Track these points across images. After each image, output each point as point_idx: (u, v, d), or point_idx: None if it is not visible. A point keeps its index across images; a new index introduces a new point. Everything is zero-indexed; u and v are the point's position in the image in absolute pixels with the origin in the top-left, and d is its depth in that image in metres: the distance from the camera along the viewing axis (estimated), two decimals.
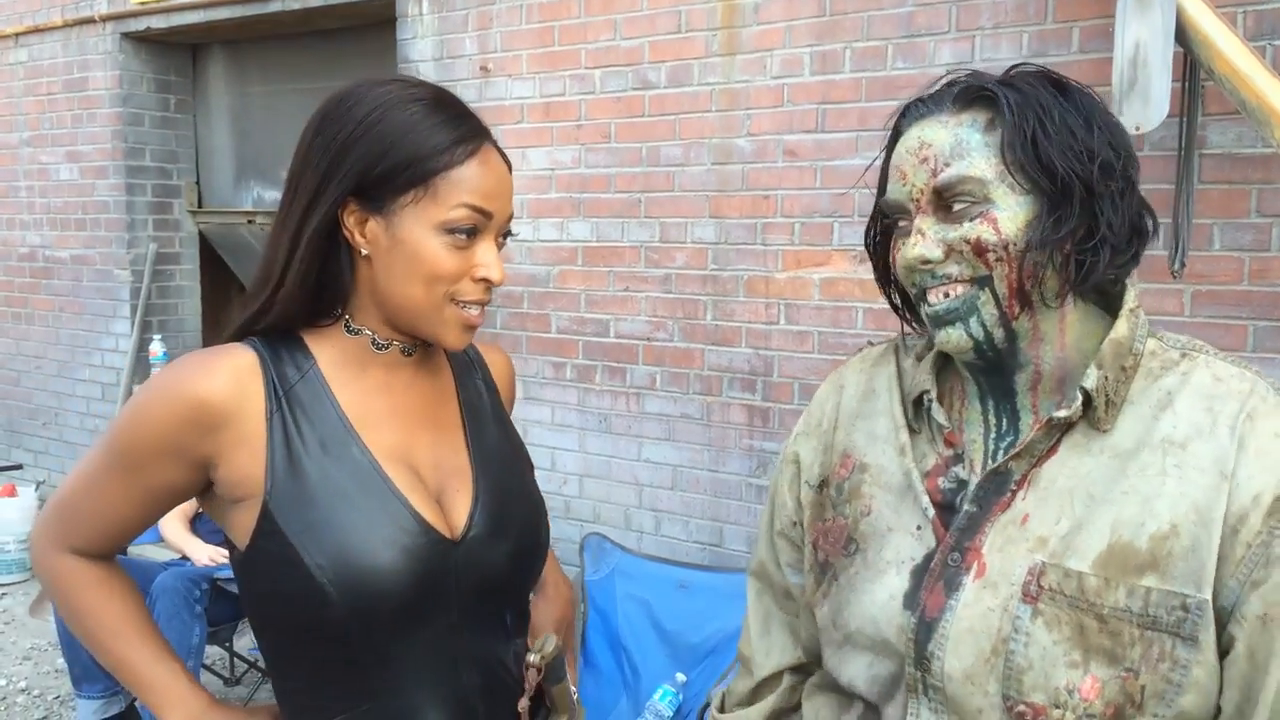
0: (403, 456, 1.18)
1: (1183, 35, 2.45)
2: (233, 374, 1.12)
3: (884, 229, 1.13)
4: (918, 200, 1.03)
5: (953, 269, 1.01)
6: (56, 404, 5.40)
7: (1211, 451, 0.96)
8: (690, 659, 3.22)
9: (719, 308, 3.44)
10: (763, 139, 3.31)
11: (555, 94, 3.71)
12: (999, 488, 1.03)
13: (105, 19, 4.94)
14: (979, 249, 0.99)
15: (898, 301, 1.15)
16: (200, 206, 5.22)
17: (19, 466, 5.38)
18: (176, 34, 4.93)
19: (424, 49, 3.99)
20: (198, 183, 5.24)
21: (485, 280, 1.16)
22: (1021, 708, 0.97)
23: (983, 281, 1.00)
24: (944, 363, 1.13)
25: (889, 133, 1.09)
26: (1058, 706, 0.95)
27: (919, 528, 1.07)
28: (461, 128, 1.14)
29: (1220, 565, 0.93)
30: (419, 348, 1.22)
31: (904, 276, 1.06)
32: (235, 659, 3.97)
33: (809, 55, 3.21)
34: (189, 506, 3.87)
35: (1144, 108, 2.47)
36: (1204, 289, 2.66)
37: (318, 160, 1.13)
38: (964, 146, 1.00)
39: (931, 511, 1.07)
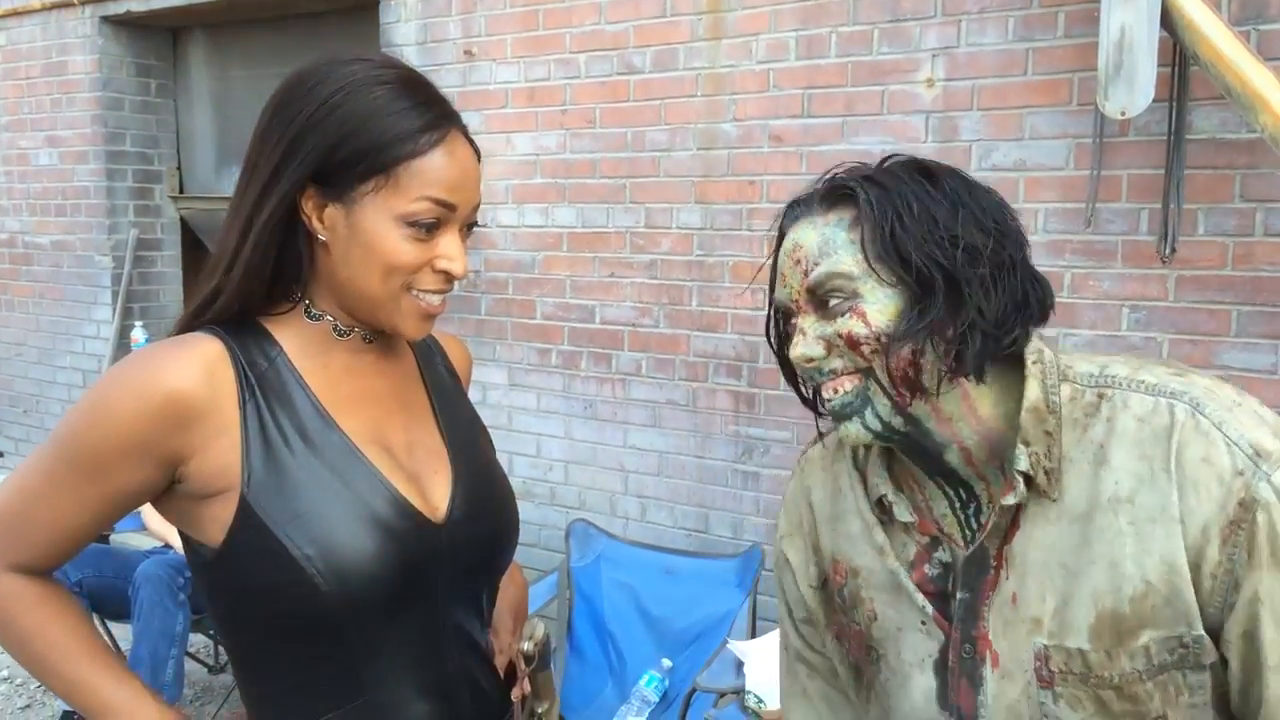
0: (378, 439, 1.15)
1: (1168, 20, 2.45)
2: (203, 364, 1.07)
3: (780, 332, 1.14)
4: (797, 301, 1.05)
5: (836, 363, 1.03)
6: (38, 391, 5.36)
7: (1158, 501, 0.97)
8: (676, 645, 3.23)
9: (704, 293, 3.44)
10: (748, 124, 3.30)
11: (540, 78, 3.69)
12: (981, 567, 1.06)
13: (84, 2, 4.88)
14: (852, 342, 1.01)
15: (808, 395, 1.13)
16: (181, 192, 5.18)
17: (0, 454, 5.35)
18: (156, 17, 4.88)
19: (407, 33, 3.96)
20: (179, 168, 5.20)
21: (445, 273, 1.12)
22: None
23: (866, 373, 1.02)
24: (891, 455, 1.12)
25: (775, 235, 1.11)
26: None
27: (923, 623, 1.10)
28: (428, 114, 1.10)
29: (1200, 597, 0.96)
30: (379, 335, 1.19)
31: (800, 374, 1.08)
32: (220, 647, 3.96)
33: (794, 40, 3.19)
34: None
35: (1129, 93, 2.47)
36: (1188, 274, 2.67)
37: (276, 141, 1.09)
38: (830, 245, 1.02)
39: (929, 607, 1.09)
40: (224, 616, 1.15)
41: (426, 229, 1.09)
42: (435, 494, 1.17)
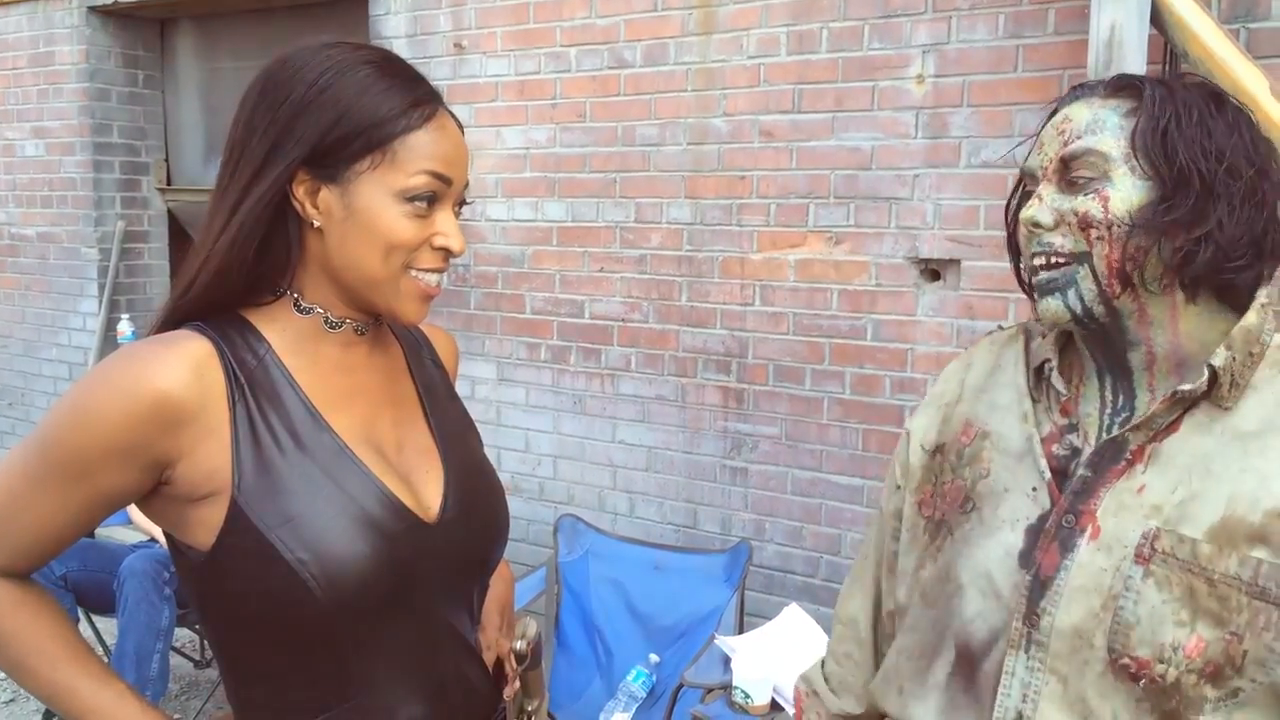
0: (368, 438, 1.14)
1: (1158, 18, 2.45)
2: (192, 364, 1.04)
3: (1021, 198, 1.18)
4: (1045, 168, 1.10)
5: (1056, 240, 1.08)
6: (23, 384, 5.33)
7: None
8: (664, 640, 3.23)
9: (694, 289, 3.43)
10: (739, 119, 3.30)
11: (530, 72, 3.68)
12: (1114, 456, 1.08)
13: None
14: (1085, 222, 1.05)
15: (1026, 278, 1.18)
16: (169, 184, 5.15)
17: None
18: (144, 8, 4.85)
19: (397, 25, 3.95)
20: (166, 160, 5.17)
21: (444, 249, 1.11)
22: (1126, 660, 1.02)
23: (1082, 258, 1.06)
24: (1067, 339, 1.18)
25: (1049, 112, 1.15)
26: (1161, 661, 1.00)
27: (1034, 489, 1.12)
28: (416, 90, 1.10)
29: None
30: (371, 326, 1.18)
31: (1022, 240, 1.13)
32: (205, 642, 3.95)
33: (785, 35, 3.19)
34: None
35: None
36: None
37: (264, 128, 1.07)
38: (1099, 123, 1.07)
39: (1048, 474, 1.12)
40: (212, 619, 1.13)
41: (426, 203, 1.09)
42: (427, 493, 1.16)
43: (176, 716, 3.73)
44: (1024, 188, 1.17)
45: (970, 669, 1.13)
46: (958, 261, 2.98)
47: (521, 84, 3.70)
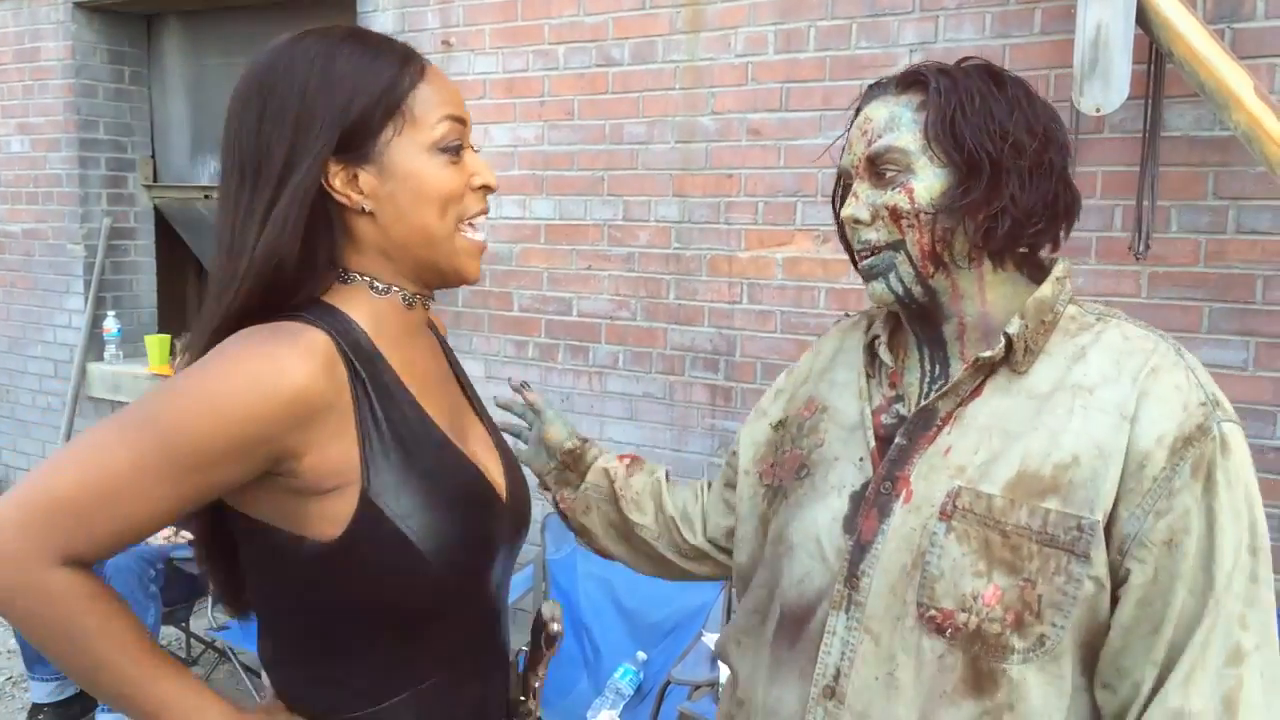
0: (450, 424, 1.16)
1: (1143, 17, 2.46)
2: (323, 358, 1.01)
3: (842, 194, 1.28)
4: (857, 167, 1.20)
5: (874, 234, 1.18)
6: (8, 381, 5.31)
7: (1115, 396, 1.09)
8: (651, 637, 3.23)
9: (682, 287, 3.44)
10: (726, 117, 3.30)
11: (518, 70, 3.67)
12: (925, 423, 1.17)
13: None
14: (895, 214, 1.15)
15: (856, 265, 1.27)
16: (155, 181, 5.13)
17: None
18: (131, 4, 4.83)
19: (385, 22, 3.94)
20: (153, 156, 5.15)
21: (484, 187, 1.13)
22: (933, 612, 1.10)
23: (897, 245, 1.16)
24: (896, 320, 1.27)
25: (854, 111, 1.25)
26: (964, 610, 1.08)
27: (861, 459, 1.21)
28: (396, 49, 1.10)
29: (1124, 497, 1.06)
30: (430, 300, 1.18)
31: (848, 234, 1.23)
32: (191, 639, 3.94)
33: (773, 33, 3.20)
34: None
35: (1104, 89, 2.49)
36: (1160, 271, 2.69)
37: (275, 131, 1.05)
38: (896, 121, 1.16)
39: (873, 444, 1.21)
40: (303, 605, 1.10)
41: (457, 151, 1.10)
42: (491, 472, 1.19)
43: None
44: (842, 184, 1.27)
45: (795, 627, 1.21)
46: None
47: (509, 82, 3.70)
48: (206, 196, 4.88)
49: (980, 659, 1.08)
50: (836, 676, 1.14)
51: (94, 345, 4.95)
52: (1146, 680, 1.05)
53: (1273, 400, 2.57)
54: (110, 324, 4.90)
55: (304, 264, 1.06)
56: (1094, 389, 1.10)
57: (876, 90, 1.20)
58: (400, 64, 1.09)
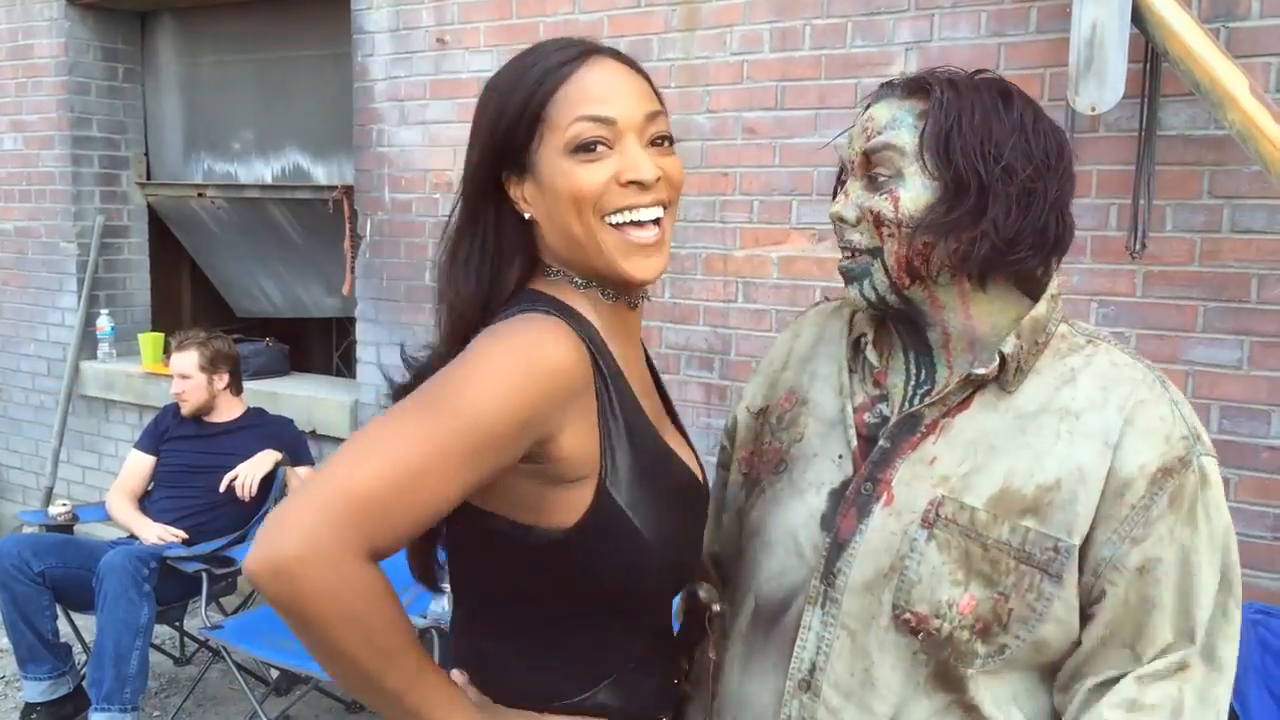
0: (658, 419, 1.20)
1: (1138, 16, 2.46)
2: (576, 343, 1.04)
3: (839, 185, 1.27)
4: (853, 163, 1.19)
5: (856, 236, 1.17)
6: (1, 380, 5.29)
7: (1100, 423, 1.10)
8: None
9: (677, 285, 3.43)
10: (722, 116, 3.30)
11: None
12: (910, 429, 1.17)
13: None
14: (877, 220, 1.14)
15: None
16: (149, 179, 5.12)
17: None
18: (124, 1, 4.81)
19: (379, 19, 3.93)
20: (146, 154, 5.13)
21: (634, 183, 1.07)
22: (908, 615, 1.11)
23: (875, 252, 1.15)
24: (881, 318, 1.25)
25: (862, 108, 1.22)
26: (938, 617, 1.10)
27: (840, 456, 1.21)
28: (565, 50, 1.10)
29: (1102, 522, 1.08)
30: (640, 298, 1.20)
31: (834, 230, 1.21)
32: (185, 638, 3.93)
33: (769, 31, 3.19)
34: (137, 484, 3.81)
35: (1100, 88, 2.49)
36: (1156, 270, 2.69)
37: (472, 154, 1.14)
38: (896, 122, 1.14)
39: (855, 443, 1.21)
40: (520, 593, 1.11)
41: (593, 149, 1.07)
42: (698, 472, 1.22)
43: None
44: (841, 179, 1.25)
45: (769, 621, 1.22)
46: None
47: None
48: (200, 195, 4.87)
49: (948, 662, 1.11)
50: (812, 670, 1.16)
51: (87, 344, 4.93)
52: (1107, 682, 1.09)
53: (1268, 399, 2.57)
54: (103, 322, 4.89)
55: (514, 268, 1.14)
56: (1080, 414, 1.11)
57: (885, 91, 1.19)
58: (554, 66, 1.09)
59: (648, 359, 1.28)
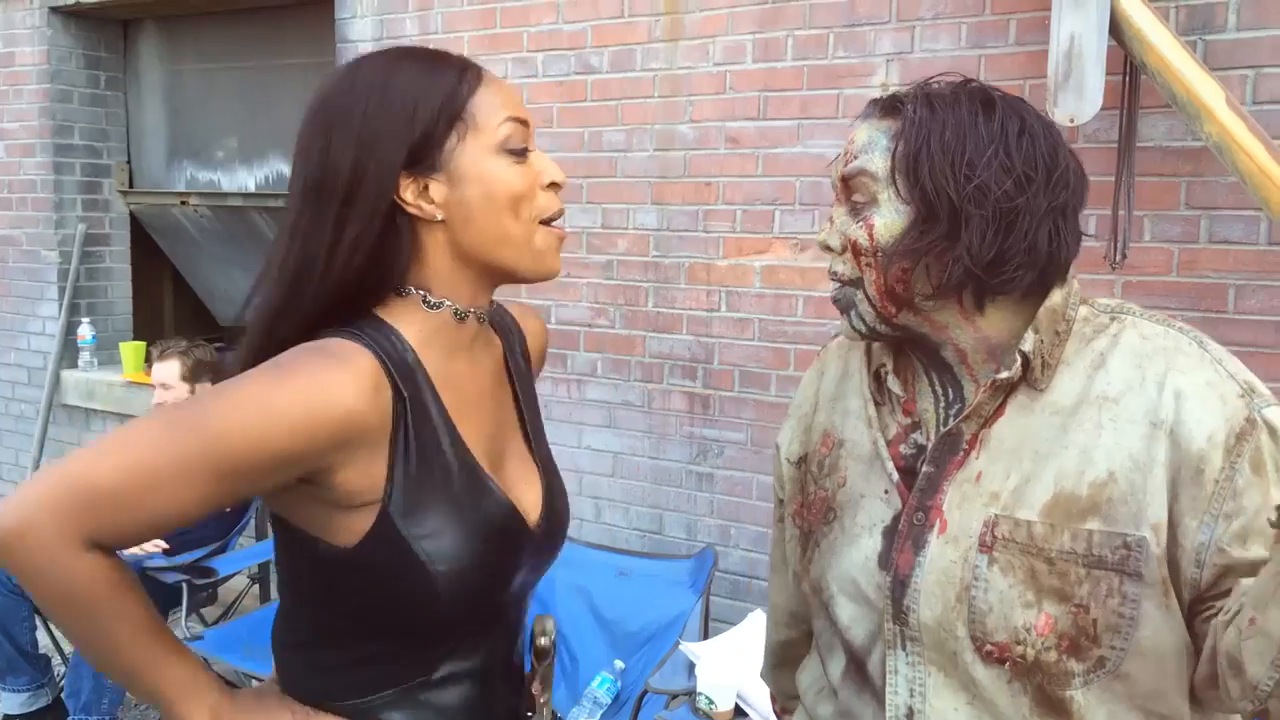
0: (487, 450, 1.16)
1: (1116, 29, 2.48)
2: (371, 381, 1.04)
3: None
4: (837, 187, 1.14)
5: (840, 267, 1.13)
6: None
7: (1142, 404, 1.04)
8: (629, 646, 3.22)
9: (660, 294, 3.44)
10: (705, 126, 3.31)
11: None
12: (952, 448, 1.11)
13: None
14: (855, 250, 1.10)
15: None
16: (131, 187, 5.10)
17: None
18: (107, 9, 4.80)
19: (363, 29, 3.93)
20: (128, 162, 5.11)
21: (554, 185, 1.14)
22: (989, 647, 1.06)
23: (857, 283, 1.11)
24: (898, 344, 1.19)
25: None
26: (1019, 643, 1.04)
27: (886, 492, 1.16)
28: (452, 60, 1.13)
29: (1188, 507, 1.00)
30: (487, 314, 1.19)
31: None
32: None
33: (751, 42, 3.21)
34: None
35: (1078, 100, 2.51)
36: (1134, 280, 2.71)
37: (344, 156, 1.07)
38: (871, 144, 1.10)
39: (896, 476, 1.15)
40: (321, 599, 1.14)
41: (520, 152, 1.11)
42: (527, 501, 1.20)
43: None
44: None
45: (860, 669, 1.18)
46: None
47: None
48: (183, 203, 4.85)
49: (1044, 687, 1.05)
50: (910, 715, 1.11)
51: (68, 352, 4.91)
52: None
53: None
54: (85, 331, 4.87)
55: (372, 281, 1.09)
56: (1119, 399, 1.05)
57: (868, 110, 1.15)
58: (458, 73, 1.11)
59: (516, 376, 1.27)
